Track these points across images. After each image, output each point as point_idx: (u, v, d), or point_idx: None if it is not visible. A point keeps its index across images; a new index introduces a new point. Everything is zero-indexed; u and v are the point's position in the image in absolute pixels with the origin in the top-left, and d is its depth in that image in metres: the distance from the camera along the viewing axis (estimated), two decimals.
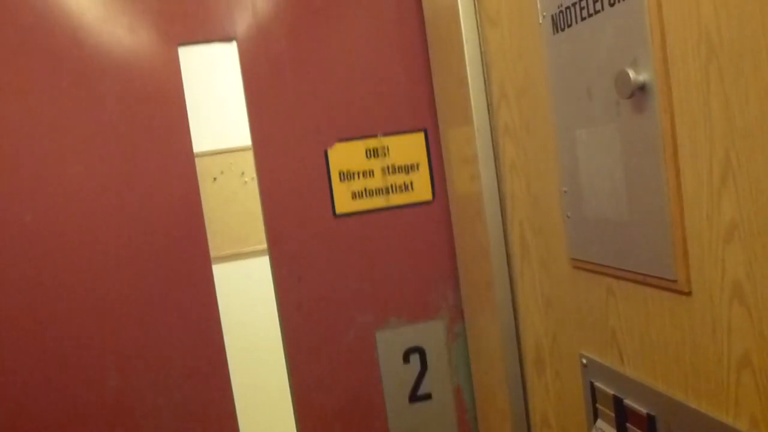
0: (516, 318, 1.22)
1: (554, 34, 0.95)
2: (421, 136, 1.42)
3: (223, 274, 1.41)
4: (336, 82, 1.39)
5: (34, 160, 1.26)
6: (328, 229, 1.40)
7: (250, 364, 1.45)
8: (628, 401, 0.89)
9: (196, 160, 1.33)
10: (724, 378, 0.72)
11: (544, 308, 1.14)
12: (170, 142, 1.32)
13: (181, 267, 1.33)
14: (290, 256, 1.38)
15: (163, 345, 1.33)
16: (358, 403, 1.41)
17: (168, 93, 1.31)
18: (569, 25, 0.91)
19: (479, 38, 1.18)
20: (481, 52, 1.18)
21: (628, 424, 0.89)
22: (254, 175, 1.37)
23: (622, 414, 0.91)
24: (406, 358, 1.43)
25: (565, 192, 1.00)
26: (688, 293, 0.75)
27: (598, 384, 0.98)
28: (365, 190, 1.40)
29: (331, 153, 1.39)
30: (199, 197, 1.32)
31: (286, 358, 1.38)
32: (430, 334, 1.44)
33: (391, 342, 1.42)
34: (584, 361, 1.01)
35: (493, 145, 1.19)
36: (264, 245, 1.37)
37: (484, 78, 1.18)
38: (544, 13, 0.97)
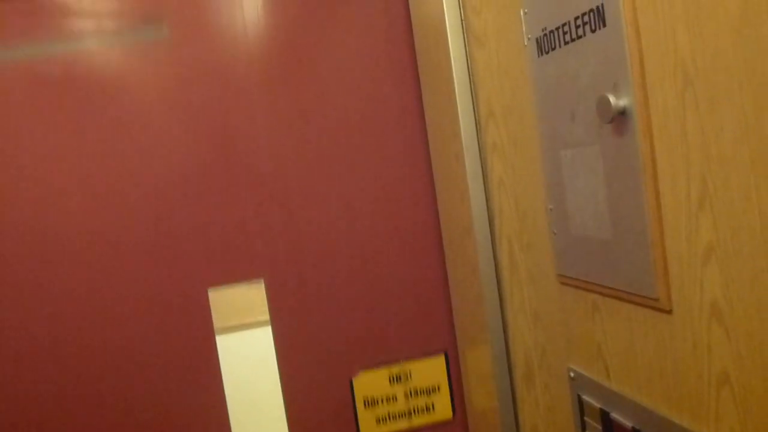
0: (506, 332, 1.24)
1: (539, 56, 0.98)
2: (441, 359, 1.48)
3: None
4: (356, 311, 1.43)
5: None
6: None
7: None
8: (614, 414, 0.92)
9: None
10: (704, 394, 0.74)
11: (533, 323, 1.17)
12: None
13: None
14: None
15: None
16: None
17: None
18: (553, 49, 0.93)
19: (467, 58, 1.20)
20: (468, 72, 1.20)
21: None
22: None
23: (608, 427, 0.93)
24: None
25: (551, 209, 1.02)
26: (669, 311, 0.77)
27: (585, 397, 1.00)
28: (389, 414, 1.45)
29: (356, 381, 1.44)
30: None
31: None
32: None
33: None
34: (572, 374, 1.04)
35: (481, 162, 1.22)
36: None
37: (472, 97, 1.21)
38: (529, 36, 1.00)
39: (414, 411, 1.47)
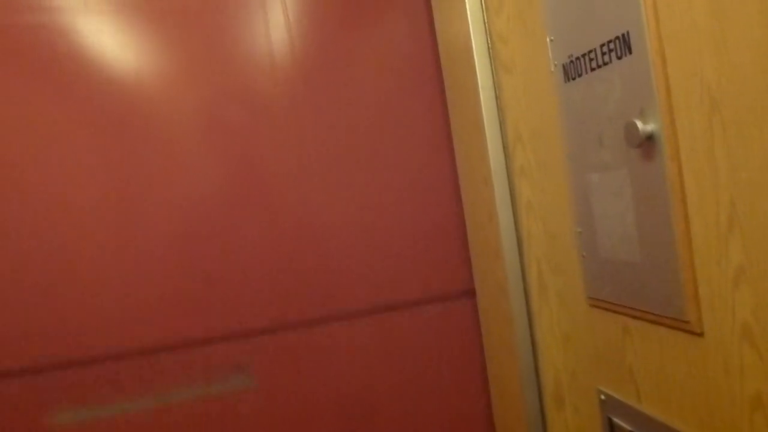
0: (535, 354, 1.24)
1: (566, 82, 1.00)
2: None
3: None
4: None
5: None
6: None
7: None
8: None
9: None
10: (737, 417, 0.74)
11: (563, 344, 1.17)
12: None
13: None
14: None
15: None
16: None
17: None
18: (579, 75, 0.95)
19: (494, 84, 1.23)
20: (496, 97, 1.22)
21: None
22: None
23: None
24: None
25: (579, 232, 1.03)
26: (700, 334, 0.77)
27: (616, 420, 1.00)
28: None
29: None
30: None
31: None
32: None
33: None
34: (603, 397, 1.04)
35: (509, 185, 1.23)
36: None
37: (500, 122, 1.23)
38: (556, 62, 1.02)
39: None
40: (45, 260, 1.33)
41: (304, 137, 1.43)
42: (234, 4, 1.40)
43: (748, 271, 0.69)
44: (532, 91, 1.13)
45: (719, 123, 0.69)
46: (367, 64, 1.45)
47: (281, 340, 1.42)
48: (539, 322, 1.22)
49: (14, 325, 1.31)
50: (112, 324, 1.35)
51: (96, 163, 1.35)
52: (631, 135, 0.81)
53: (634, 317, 0.91)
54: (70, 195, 1.34)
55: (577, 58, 0.95)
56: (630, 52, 0.81)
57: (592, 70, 0.91)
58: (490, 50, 1.21)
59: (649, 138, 0.79)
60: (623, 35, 0.82)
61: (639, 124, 0.79)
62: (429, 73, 1.47)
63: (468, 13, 1.21)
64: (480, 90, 1.23)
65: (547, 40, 1.03)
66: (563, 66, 1.00)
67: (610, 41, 0.86)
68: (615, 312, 0.97)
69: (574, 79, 0.97)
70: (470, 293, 1.49)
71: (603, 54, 0.88)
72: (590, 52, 0.91)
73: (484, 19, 1.21)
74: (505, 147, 1.23)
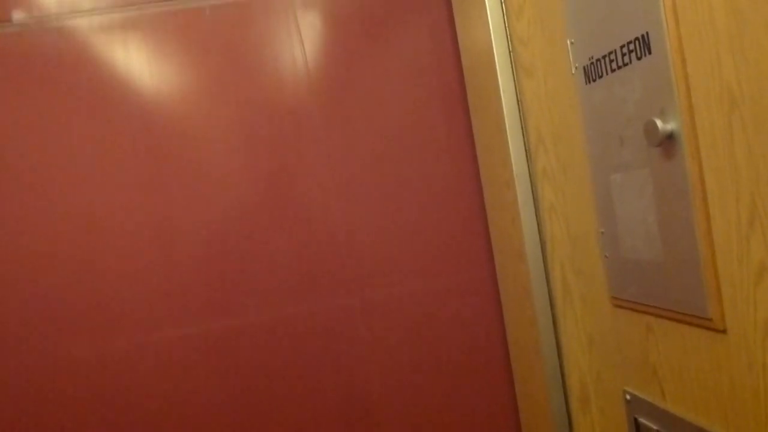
0: (560, 356, 1.25)
1: (586, 84, 1.01)
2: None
3: None
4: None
5: None
6: None
7: None
8: None
9: None
10: (761, 415, 0.74)
11: (588, 346, 1.18)
12: None
13: None
14: None
15: None
16: None
17: None
18: (600, 76, 0.96)
19: (515, 87, 1.24)
20: (517, 100, 1.24)
21: None
22: None
23: None
24: None
25: (602, 233, 1.04)
26: (723, 331, 0.78)
27: (641, 420, 1.00)
28: None
29: None
30: None
31: None
32: None
33: None
34: (628, 397, 1.04)
35: (532, 188, 1.24)
36: None
37: (522, 124, 1.24)
38: (576, 65, 1.03)
39: None
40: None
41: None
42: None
43: None
44: (553, 94, 1.14)
45: (739, 121, 0.70)
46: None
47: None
48: (563, 324, 1.23)
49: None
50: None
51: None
52: (652, 134, 0.82)
53: (658, 316, 0.92)
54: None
55: (598, 60, 0.96)
56: (650, 53, 0.82)
57: (613, 71, 0.92)
58: (511, 54, 1.22)
59: (669, 137, 0.80)
60: (643, 36, 0.83)
61: (659, 124, 0.80)
62: (452, 79, 1.48)
63: (489, 17, 1.23)
64: (501, 94, 1.24)
65: (568, 42, 1.04)
66: (584, 68, 1.01)
67: (629, 42, 0.87)
68: (638, 312, 0.97)
69: (594, 80, 0.98)
70: (494, 296, 1.50)
71: (623, 55, 0.89)
72: (610, 53, 0.92)
73: (505, 24, 1.22)
74: (527, 150, 1.24)
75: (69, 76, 1.36)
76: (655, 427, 0.96)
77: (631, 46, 0.86)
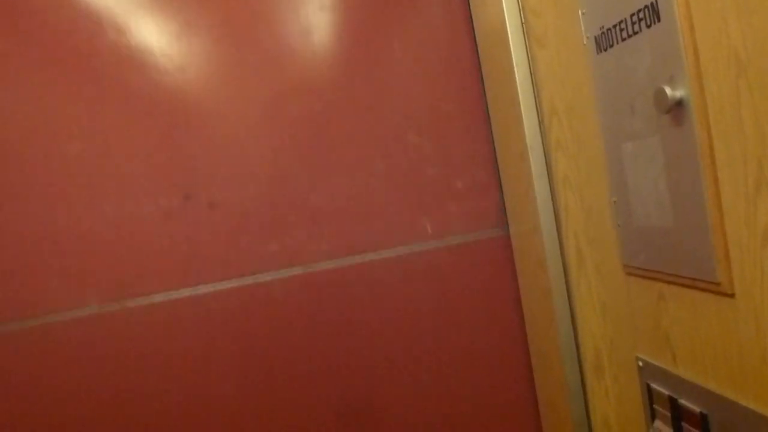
0: (574, 325, 1.26)
1: (598, 54, 1.01)
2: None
3: None
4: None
5: None
6: None
7: None
8: (682, 401, 0.93)
9: None
10: None
11: (601, 315, 1.19)
12: None
13: None
14: None
15: None
16: None
17: None
18: (611, 46, 0.96)
19: (528, 59, 1.24)
20: (530, 72, 1.24)
21: (683, 423, 0.93)
22: None
23: (677, 413, 0.95)
24: None
25: (614, 202, 1.05)
26: (732, 295, 0.79)
27: (653, 385, 1.02)
28: None
29: None
30: None
31: None
32: None
33: None
34: (640, 363, 1.06)
35: (545, 160, 1.25)
36: None
37: (535, 96, 1.24)
38: (588, 35, 1.03)
39: None
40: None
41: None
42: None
43: None
44: (566, 65, 1.14)
45: (746, 87, 0.71)
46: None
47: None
48: (578, 294, 1.24)
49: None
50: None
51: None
52: (661, 101, 0.82)
53: (669, 282, 0.93)
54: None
55: (609, 30, 0.96)
56: (659, 20, 0.83)
57: (623, 40, 0.93)
58: (524, 25, 1.23)
59: (679, 104, 0.81)
60: (652, 4, 0.84)
61: (668, 91, 0.81)
62: (466, 52, 1.49)
63: None
64: (515, 66, 1.25)
65: (579, 13, 1.05)
66: (595, 38, 1.01)
67: (639, 10, 0.87)
68: (650, 279, 0.98)
69: (606, 50, 0.98)
70: (510, 268, 1.51)
71: (633, 23, 0.89)
72: (621, 22, 0.92)
73: None
74: (540, 122, 1.25)
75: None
76: (666, 393, 0.97)
77: (641, 14, 0.87)
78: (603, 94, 1.02)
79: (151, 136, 1.41)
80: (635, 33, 0.89)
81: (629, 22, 0.90)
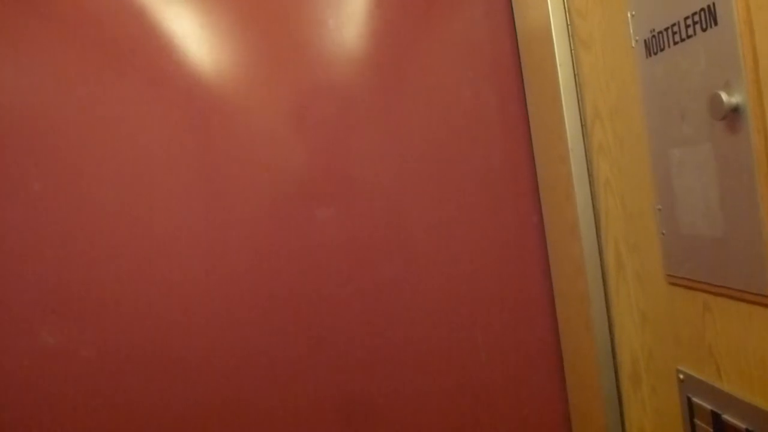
0: (611, 333, 1.24)
1: (647, 57, 0.98)
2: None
3: None
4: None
5: None
6: None
7: None
8: (726, 416, 0.91)
9: None
10: None
11: (640, 324, 1.16)
12: None
13: None
14: None
15: None
16: None
17: None
18: (662, 49, 0.94)
19: (572, 60, 1.22)
20: (574, 74, 1.22)
21: None
22: None
23: (720, 429, 0.92)
24: None
25: (659, 209, 1.02)
26: None
27: (695, 399, 0.99)
28: None
29: None
30: None
31: None
32: None
33: None
34: (681, 376, 1.03)
35: (587, 163, 1.22)
36: None
37: (578, 99, 1.22)
38: (637, 38, 1.01)
39: None
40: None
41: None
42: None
43: None
44: (612, 67, 1.12)
45: None
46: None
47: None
48: (616, 302, 1.22)
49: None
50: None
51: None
52: (716, 108, 0.80)
53: (715, 294, 0.90)
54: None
55: (660, 33, 0.94)
56: (716, 24, 0.80)
57: (675, 43, 0.90)
58: (569, 27, 1.20)
59: (735, 110, 0.78)
60: (709, 6, 0.81)
61: (724, 97, 0.78)
62: (506, 53, 1.47)
63: None
64: (558, 67, 1.22)
65: (628, 15, 1.02)
66: (645, 41, 0.99)
67: (694, 13, 0.85)
68: (695, 289, 0.96)
69: (656, 53, 0.96)
70: (545, 273, 1.49)
71: (687, 27, 0.87)
72: (673, 25, 0.90)
73: None
74: (583, 124, 1.22)
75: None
76: (709, 407, 0.95)
77: (696, 18, 0.84)
78: (651, 98, 0.99)
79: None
80: (689, 36, 0.86)
81: (683, 26, 0.88)
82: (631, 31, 1.02)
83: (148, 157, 1.40)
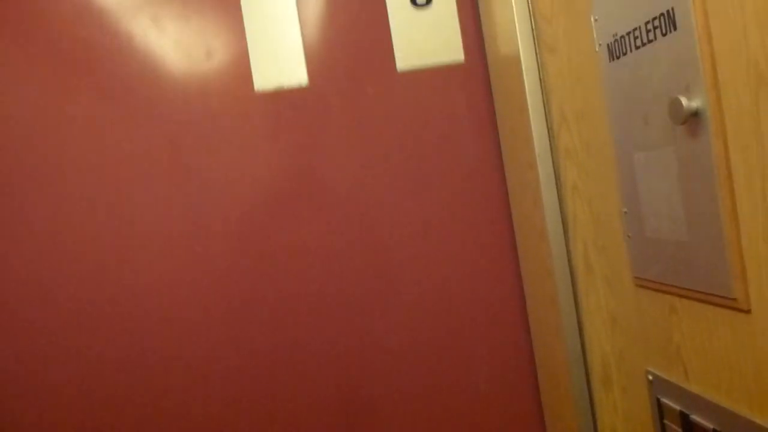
0: (582, 336, 1.24)
1: (610, 61, 0.99)
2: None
3: None
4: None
5: None
6: None
7: None
8: (694, 416, 0.91)
9: None
10: None
11: (610, 326, 1.17)
12: None
13: None
14: None
15: None
16: None
17: None
18: (624, 54, 0.95)
19: (538, 65, 1.22)
20: (540, 79, 1.22)
21: None
22: None
23: (688, 429, 0.93)
24: None
25: (625, 213, 1.03)
26: (748, 311, 0.77)
27: (664, 400, 1.00)
28: None
29: None
30: None
31: None
32: None
33: None
34: (650, 377, 1.04)
35: (554, 168, 1.23)
36: None
37: (544, 103, 1.22)
38: (600, 42, 1.01)
39: None
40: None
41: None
42: None
43: None
44: (577, 72, 1.12)
45: (765, 97, 0.69)
46: None
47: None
48: (586, 305, 1.22)
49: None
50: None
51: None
52: (676, 112, 0.80)
53: (681, 296, 0.91)
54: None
55: (622, 37, 0.95)
56: (675, 29, 0.81)
57: (637, 48, 0.91)
58: (534, 31, 1.21)
59: (695, 115, 0.79)
60: (668, 11, 0.82)
61: (684, 101, 0.79)
62: (474, 57, 1.47)
63: None
64: (524, 72, 1.23)
65: (592, 19, 1.03)
66: (608, 45, 0.99)
67: (654, 18, 0.85)
68: (662, 292, 0.96)
69: (618, 58, 0.97)
70: (515, 277, 1.49)
71: (648, 31, 0.87)
72: (635, 30, 0.91)
73: (528, 1, 1.21)
74: (549, 129, 1.23)
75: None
76: (678, 408, 0.96)
77: (656, 22, 0.85)
78: (615, 102, 1.00)
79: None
80: (650, 41, 0.87)
81: (644, 30, 0.88)
82: (595, 35, 1.03)
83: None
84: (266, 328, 1.43)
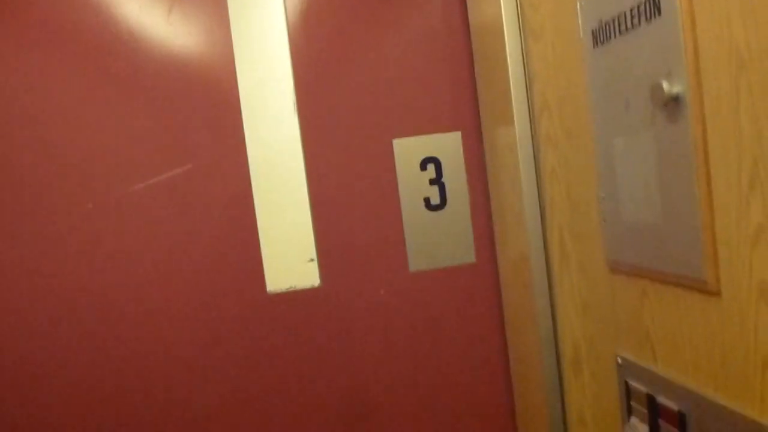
0: (554, 321, 1.26)
1: (594, 47, 1.00)
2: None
3: None
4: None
5: None
6: None
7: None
8: (660, 399, 0.93)
9: None
10: (750, 376, 0.75)
11: (582, 311, 1.19)
12: None
13: None
14: None
15: None
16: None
17: None
18: (608, 39, 0.96)
19: (522, 51, 1.23)
20: (524, 64, 1.23)
21: (660, 421, 0.93)
22: None
23: (654, 411, 0.95)
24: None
25: (602, 198, 1.04)
26: (717, 294, 0.79)
27: (632, 383, 1.01)
28: None
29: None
30: None
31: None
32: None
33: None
34: (619, 360, 1.05)
35: (534, 153, 1.24)
36: None
37: (527, 89, 1.23)
38: (585, 28, 1.02)
39: None
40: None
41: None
42: None
43: (767, 230, 0.70)
44: (561, 58, 1.13)
45: (746, 85, 0.70)
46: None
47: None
48: (560, 290, 1.24)
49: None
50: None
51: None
52: (657, 96, 0.82)
53: (653, 280, 0.93)
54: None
55: (607, 23, 0.96)
56: (659, 14, 0.82)
57: (621, 33, 0.92)
58: (520, 17, 1.22)
59: (675, 100, 0.80)
60: None
61: (665, 86, 0.80)
62: (459, 43, 1.48)
63: None
64: (508, 57, 1.24)
65: (577, 5, 1.04)
66: (592, 31, 1.00)
67: (640, 4, 0.86)
68: (634, 276, 0.98)
69: (602, 43, 0.98)
70: (492, 260, 1.51)
71: (632, 17, 0.88)
72: (620, 15, 0.92)
73: None
74: (531, 114, 1.24)
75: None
76: (645, 390, 0.97)
77: (641, 8, 0.86)
78: (597, 88, 1.01)
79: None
80: (634, 27, 0.88)
81: (628, 16, 0.89)
82: (580, 21, 1.04)
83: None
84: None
